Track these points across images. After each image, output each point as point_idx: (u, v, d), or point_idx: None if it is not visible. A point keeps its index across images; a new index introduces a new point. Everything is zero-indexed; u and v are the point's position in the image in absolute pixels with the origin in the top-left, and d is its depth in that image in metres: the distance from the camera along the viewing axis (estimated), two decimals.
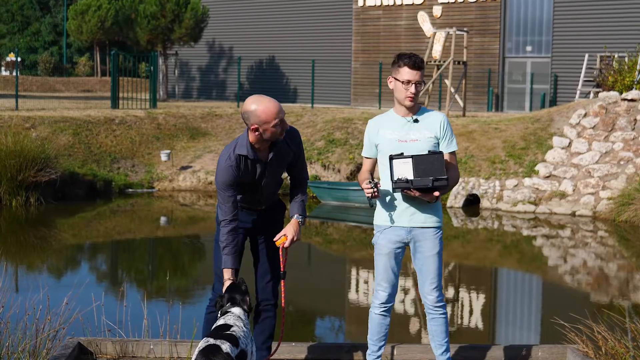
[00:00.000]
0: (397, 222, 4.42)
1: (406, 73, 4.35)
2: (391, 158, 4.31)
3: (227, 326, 3.91)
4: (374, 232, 4.53)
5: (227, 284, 4.24)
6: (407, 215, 4.40)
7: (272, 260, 4.56)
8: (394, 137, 4.40)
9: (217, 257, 4.44)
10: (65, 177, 15.19)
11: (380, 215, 4.49)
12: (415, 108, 4.47)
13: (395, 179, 4.27)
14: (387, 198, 4.43)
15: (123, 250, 12.32)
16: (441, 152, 4.29)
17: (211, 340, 3.72)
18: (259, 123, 4.16)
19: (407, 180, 4.21)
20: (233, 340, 3.78)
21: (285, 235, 4.37)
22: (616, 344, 4.92)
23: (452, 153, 4.47)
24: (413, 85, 4.34)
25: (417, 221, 4.40)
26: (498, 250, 12.56)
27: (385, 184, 4.39)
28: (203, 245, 12.74)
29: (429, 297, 4.49)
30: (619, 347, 4.88)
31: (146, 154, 17.88)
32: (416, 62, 4.35)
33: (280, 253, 4.44)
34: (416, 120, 4.42)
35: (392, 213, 4.42)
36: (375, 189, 4.23)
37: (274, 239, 4.41)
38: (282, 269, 4.47)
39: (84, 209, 15.05)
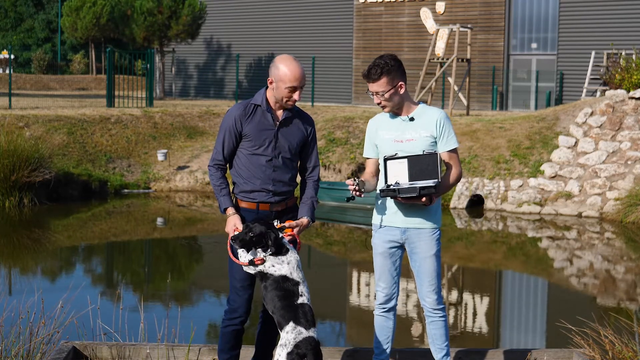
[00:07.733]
0: (392, 222, 4.40)
1: (369, 84, 4.32)
2: (386, 159, 4.30)
3: (306, 305, 3.93)
4: (372, 231, 4.54)
5: (235, 217, 4.25)
6: (401, 216, 4.37)
7: None
8: (390, 137, 4.36)
9: (232, 268, 4.33)
10: (60, 177, 15.18)
11: (376, 215, 4.49)
12: (412, 106, 4.38)
13: (384, 185, 4.26)
14: (383, 197, 4.40)
15: (119, 252, 12.27)
16: (436, 153, 4.23)
17: (313, 333, 3.81)
18: (276, 78, 4.23)
19: (393, 190, 4.20)
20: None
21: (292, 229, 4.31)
22: (623, 348, 4.88)
23: (452, 151, 4.38)
24: (374, 96, 4.30)
25: (412, 222, 4.36)
26: (503, 252, 12.45)
27: (382, 185, 4.35)
28: (200, 247, 12.72)
29: (427, 299, 4.47)
30: (626, 352, 4.83)
31: (142, 154, 17.80)
32: (369, 73, 4.26)
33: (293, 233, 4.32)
34: (412, 119, 4.35)
35: (387, 213, 4.41)
36: (357, 187, 4.18)
37: (287, 225, 4.28)
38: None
39: (78, 209, 14.97)
